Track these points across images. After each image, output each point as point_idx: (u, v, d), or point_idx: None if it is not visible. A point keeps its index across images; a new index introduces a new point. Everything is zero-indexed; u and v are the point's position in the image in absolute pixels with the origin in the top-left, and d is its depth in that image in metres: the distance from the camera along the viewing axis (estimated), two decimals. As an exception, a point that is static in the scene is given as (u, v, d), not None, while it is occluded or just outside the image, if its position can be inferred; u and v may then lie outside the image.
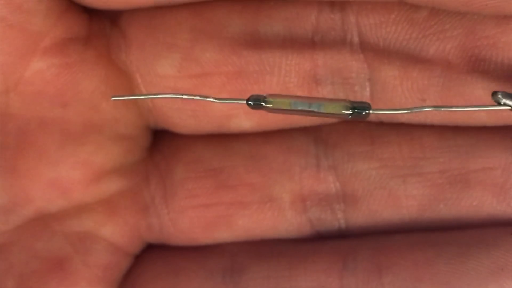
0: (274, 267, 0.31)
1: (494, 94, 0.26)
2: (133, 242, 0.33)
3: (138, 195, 0.33)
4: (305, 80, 0.30)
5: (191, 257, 0.33)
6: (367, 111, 0.26)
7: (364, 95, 0.30)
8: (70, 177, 0.31)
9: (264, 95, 0.26)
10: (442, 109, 0.27)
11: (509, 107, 0.26)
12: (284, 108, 0.26)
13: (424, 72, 0.28)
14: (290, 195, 0.32)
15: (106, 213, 0.32)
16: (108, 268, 0.32)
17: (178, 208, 0.32)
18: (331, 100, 0.26)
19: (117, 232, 0.32)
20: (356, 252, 0.31)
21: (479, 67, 0.27)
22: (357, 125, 0.31)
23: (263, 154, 0.32)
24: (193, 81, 0.30)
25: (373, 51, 0.28)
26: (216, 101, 0.27)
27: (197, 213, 0.32)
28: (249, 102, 0.27)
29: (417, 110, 0.27)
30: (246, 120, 0.31)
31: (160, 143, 0.33)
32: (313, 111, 0.26)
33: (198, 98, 0.27)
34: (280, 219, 0.32)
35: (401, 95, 0.29)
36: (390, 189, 0.31)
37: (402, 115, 0.29)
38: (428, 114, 0.29)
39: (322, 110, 0.26)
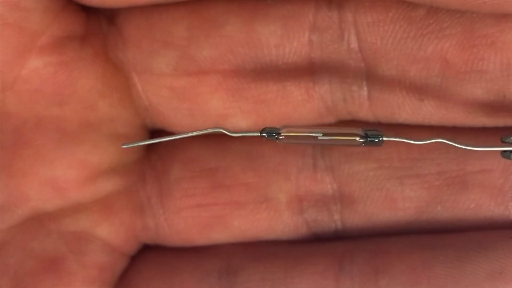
0: (270, 269, 0.31)
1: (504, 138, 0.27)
2: (128, 243, 0.33)
3: (134, 195, 0.32)
4: (302, 79, 0.29)
5: (187, 258, 0.33)
6: (380, 138, 0.26)
7: (361, 95, 0.29)
8: (66, 177, 0.31)
9: (278, 127, 0.27)
10: (456, 145, 0.27)
11: None
12: (297, 141, 0.27)
13: (422, 71, 0.28)
14: (286, 196, 0.32)
15: (102, 213, 0.32)
16: (103, 268, 0.32)
17: (173, 208, 0.32)
18: (343, 129, 0.27)
19: (112, 232, 0.32)
20: (353, 254, 0.31)
21: (478, 66, 0.27)
22: (355, 125, 0.31)
23: (260, 154, 0.32)
24: (190, 79, 0.30)
25: (371, 49, 0.28)
26: (233, 134, 0.28)
27: (192, 213, 0.32)
28: (263, 134, 0.27)
29: (429, 141, 0.27)
30: (242, 119, 0.31)
31: (157, 142, 0.33)
32: (326, 141, 0.27)
33: (211, 131, 0.28)
34: (276, 219, 0.32)
35: (399, 94, 0.29)
36: (387, 191, 0.31)
37: (400, 115, 0.29)
38: (426, 115, 0.29)
39: (335, 142, 0.27)
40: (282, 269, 0.31)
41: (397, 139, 0.27)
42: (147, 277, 0.33)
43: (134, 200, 0.32)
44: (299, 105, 0.30)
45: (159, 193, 0.32)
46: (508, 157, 0.27)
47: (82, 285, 0.31)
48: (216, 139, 0.32)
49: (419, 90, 0.29)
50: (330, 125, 0.31)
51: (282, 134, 0.27)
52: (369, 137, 0.26)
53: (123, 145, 0.29)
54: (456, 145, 0.27)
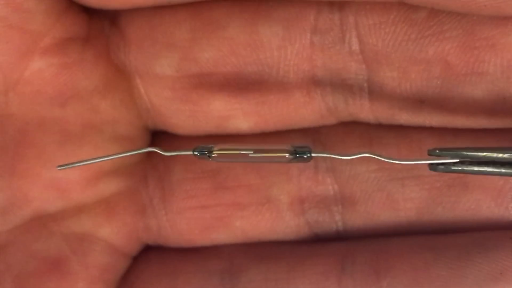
0: (272, 269, 0.31)
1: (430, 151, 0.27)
2: (131, 243, 0.33)
3: (136, 196, 0.33)
4: (303, 81, 0.30)
5: (189, 259, 0.33)
6: (308, 155, 0.27)
7: (362, 96, 0.30)
8: (68, 178, 0.31)
9: (211, 146, 0.28)
10: (382, 159, 0.27)
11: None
12: (230, 159, 0.28)
13: (423, 73, 0.28)
14: (288, 197, 0.32)
15: (104, 214, 0.32)
16: (105, 269, 0.32)
17: (176, 209, 0.32)
18: (273, 146, 0.28)
19: (115, 233, 0.32)
20: (355, 255, 0.31)
21: (478, 68, 0.27)
22: (356, 127, 0.31)
23: None
24: (192, 81, 0.30)
25: (372, 51, 0.28)
26: (164, 153, 0.29)
27: (195, 214, 0.32)
28: (195, 153, 0.28)
29: (356, 156, 0.27)
30: (244, 121, 0.31)
31: (159, 144, 0.33)
32: (257, 159, 0.27)
33: (145, 150, 0.29)
34: (278, 220, 0.32)
35: (400, 96, 0.29)
36: (388, 192, 0.31)
37: (401, 116, 0.29)
38: (427, 116, 0.29)
39: (266, 160, 0.28)
40: (284, 269, 0.31)
41: (325, 155, 0.28)
42: (149, 277, 0.33)
43: (136, 201, 0.32)
44: (300, 106, 0.30)
45: (161, 194, 0.32)
46: (435, 169, 0.27)
47: (84, 286, 0.31)
48: (218, 140, 0.32)
49: (419, 92, 0.29)
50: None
51: (214, 152, 0.27)
52: (298, 153, 0.27)
53: (58, 166, 0.29)
54: (382, 159, 0.27)
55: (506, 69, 0.27)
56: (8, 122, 0.30)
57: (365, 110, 0.30)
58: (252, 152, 0.27)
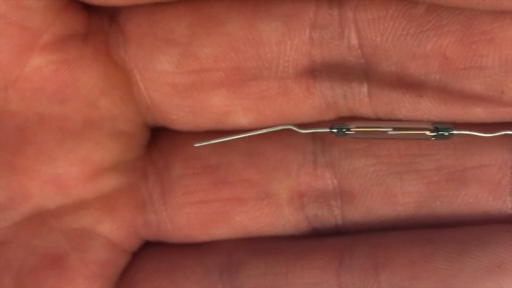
0: (271, 264, 0.31)
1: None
2: (130, 239, 0.33)
3: (136, 192, 0.33)
4: (303, 76, 0.30)
5: (188, 254, 0.33)
6: (450, 132, 0.27)
7: (361, 91, 0.30)
8: (68, 174, 0.31)
9: (347, 123, 0.27)
10: None
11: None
12: (367, 136, 0.28)
13: (421, 67, 0.28)
14: (287, 192, 0.32)
15: (104, 210, 0.32)
16: (105, 265, 0.32)
17: (175, 204, 0.32)
18: (413, 124, 0.28)
19: (114, 229, 0.32)
20: (353, 249, 0.31)
21: (477, 62, 0.27)
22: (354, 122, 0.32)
23: (261, 151, 0.32)
24: (191, 77, 0.30)
25: (371, 46, 0.29)
26: (301, 131, 0.29)
27: (194, 209, 0.32)
28: (333, 130, 0.28)
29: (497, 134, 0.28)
30: (243, 116, 0.31)
31: (158, 140, 0.33)
32: (395, 135, 0.27)
33: (280, 127, 0.29)
34: (277, 215, 0.32)
35: (399, 90, 0.29)
36: (386, 186, 0.31)
37: (400, 111, 0.30)
38: (425, 110, 0.29)
39: (405, 137, 0.28)
40: (284, 264, 0.31)
41: (467, 132, 0.28)
42: (149, 273, 0.33)
43: (136, 197, 0.33)
44: (300, 101, 0.30)
45: (161, 190, 0.32)
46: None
47: (84, 282, 0.31)
48: (217, 136, 0.32)
49: (418, 86, 0.29)
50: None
51: (352, 129, 0.27)
52: (439, 131, 0.27)
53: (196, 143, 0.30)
54: None
55: (505, 63, 0.27)
56: (8, 119, 0.30)
57: (364, 105, 0.30)
58: (391, 129, 0.27)
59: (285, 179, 0.32)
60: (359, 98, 0.30)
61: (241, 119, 0.31)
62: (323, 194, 0.32)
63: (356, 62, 0.29)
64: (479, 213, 0.30)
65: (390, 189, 0.31)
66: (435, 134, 0.27)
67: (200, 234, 0.33)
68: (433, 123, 0.27)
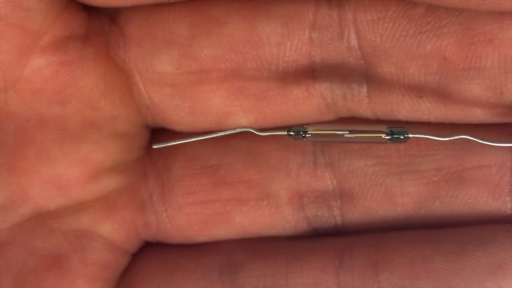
0: (271, 265, 0.32)
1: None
2: (130, 240, 0.33)
3: (136, 193, 0.33)
4: (302, 77, 0.30)
5: (188, 255, 0.33)
6: (406, 135, 0.27)
7: (361, 92, 0.30)
8: (68, 175, 0.31)
9: (304, 126, 0.28)
10: (479, 141, 0.28)
11: None
12: (324, 139, 0.28)
13: (421, 68, 0.28)
14: (287, 192, 0.32)
15: (104, 211, 0.32)
16: (105, 266, 0.32)
17: (175, 205, 0.32)
18: (369, 127, 0.28)
19: (114, 230, 0.32)
20: (353, 249, 0.31)
21: (476, 63, 0.27)
22: (355, 123, 0.31)
23: (261, 151, 0.32)
24: (191, 78, 0.30)
25: (370, 47, 0.29)
26: (259, 133, 0.29)
27: (194, 210, 0.32)
28: (291, 133, 0.28)
29: (452, 138, 0.28)
30: (243, 117, 0.31)
31: (158, 141, 0.33)
32: (351, 138, 0.28)
33: (239, 130, 0.29)
34: (277, 216, 0.32)
35: (398, 91, 0.29)
36: (386, 186, 0.31)
37: (399, 112, 0.30)
38: (425, 111, 0.29)
39: (361, 140, 0.28)
40: (283, 264, 0.31)
41: (422, 136, 0.28)
42: (149, 274, 0.33)
43: (136, 198, 0.33)
44: (299, 102, 0.30)
45: (161, 191, 0.32)
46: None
47: (84, 283, 0.31)
48: (217, 137, 0.32)
49: (418, 87, 0.29)
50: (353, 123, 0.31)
51: (309, 132, 0.28)
52: (395, 134, 0.27)
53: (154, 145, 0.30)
54: (479, 140, 0.28)
55: (504, 64, 0.27)
56: (8, 120, 0.30)
57: (364, 106, 0.30)
58: (347, 132, 0.27)
59: (285, 180, 0.32)
60: (358, 99, 0.30)
61: (241, 120, 0.31)
62: (323, 195, 0.32)
63: (355, 63, 0.29)
64: (478, 213, 0.31)
65: (389, 190, 0.31)
66: (390, 137, 0.27)
67: (200, 234, 0.33)
68: (389, 126, 0.28)
